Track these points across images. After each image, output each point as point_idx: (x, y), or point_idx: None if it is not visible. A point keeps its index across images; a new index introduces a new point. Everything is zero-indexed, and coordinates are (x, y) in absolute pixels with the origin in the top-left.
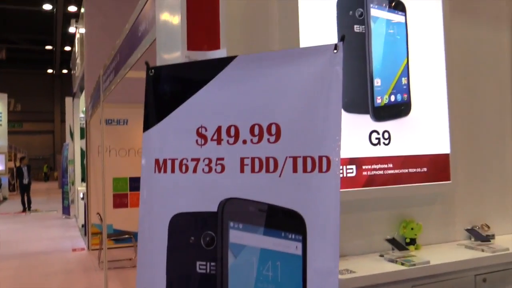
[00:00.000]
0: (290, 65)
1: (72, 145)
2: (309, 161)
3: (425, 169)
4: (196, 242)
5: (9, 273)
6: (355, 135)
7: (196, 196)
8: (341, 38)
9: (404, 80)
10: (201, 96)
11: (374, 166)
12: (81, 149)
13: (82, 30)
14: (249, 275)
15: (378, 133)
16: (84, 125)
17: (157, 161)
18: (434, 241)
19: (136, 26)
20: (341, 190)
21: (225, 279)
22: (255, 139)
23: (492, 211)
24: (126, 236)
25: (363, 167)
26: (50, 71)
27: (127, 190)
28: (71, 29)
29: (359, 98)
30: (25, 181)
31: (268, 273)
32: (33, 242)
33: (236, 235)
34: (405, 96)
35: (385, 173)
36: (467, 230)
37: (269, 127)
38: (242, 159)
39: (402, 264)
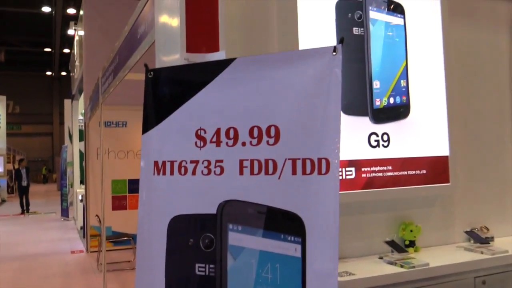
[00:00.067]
0: (289, 67)
1: (71, 147)
2: (308, 163)
3: (424, 171)
4: (195, 244)
5: (7, 275)
6: (354, 137)
7: (195, 198)
8: (340, 40)
9: (403, 82)
10: (200, 98)
11: (373, 168)
12: (80, 151)
13: (81, 33)
14: (248, 277)
15: (377, 135)
16: (83, 127)
17: (156, 163)
18: (433, 243)
19: (135, 28)
20: (340, 192)
21: (224, 281)
22: (254, 141)
23: (491, 213)
24: (125, 238)
25: (362, 169)
26: (49, 73)
27: (126, 192)
28: (70, 31)
29: (358, 100)
30: (24, 183)
31: (267, 275)
32: (32, 244)
33: (235, 237)
34: (404, 98)
35: (384, 175)
36: (466, 232)
37: (268, 129)
38: (241, 161)
39: (402, 266)
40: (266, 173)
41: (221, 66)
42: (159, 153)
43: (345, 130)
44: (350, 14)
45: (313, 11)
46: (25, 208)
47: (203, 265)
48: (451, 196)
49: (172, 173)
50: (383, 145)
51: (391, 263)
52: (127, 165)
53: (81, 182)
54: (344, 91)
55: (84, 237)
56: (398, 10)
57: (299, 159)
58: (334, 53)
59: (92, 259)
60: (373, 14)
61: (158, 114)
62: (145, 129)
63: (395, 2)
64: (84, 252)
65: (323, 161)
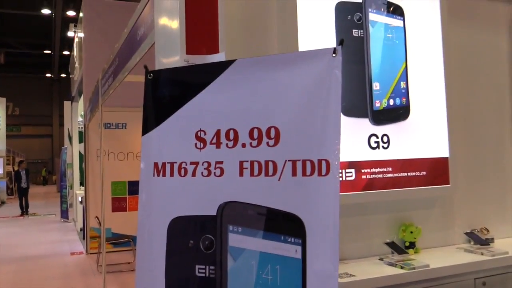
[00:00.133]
0: (289, 68)
1: (71, 149)
2: (308, 164)
3: (424, 173)
4: (195, 245)
5: (7, 277)
6: (354, 139)
7: (195, 199)
8: (340, 42)
9: (402, 84)
10: (200, 100)
11: (373, 170)
12: (80, 153)
13: (81, 35)
14: (248, 279)
15: (377, 137)
16: (83, 129)
17: (156, 164)
18: (433, 244)
19: (135, 30)
20: (341, 193)
21: (224, 282)
22: (254, 143)
23: (491, 215)
24: (125, 239)
25: (362, 170)
26: (48, 75)
27: (126, 194)
28: (70, 34)
29: (358, 102)
30: (24, 185)
31: (267, 277)
32: (32, 246)
33: (236, 239)
34: (404, 100)
35: (384, 176)
36: (467, 233)
37: (268, 131)
38: (241, 163)
39: (402, 267)
40: (266, 174)
41: (221, 67)
42: (159, 154)
43: (345, 132)
44: (349, 16)
45: (312, 13)
46: (24, 209)
47: (203, 266)
48: (451, 197)
49: (172, 174)
50: (383, 146)
51: (391, 264)
52: (127, 167)
53: (81, 183)
54: (344, 93)
55: (83, 238)
56: (398, 12)
57: (299, 160)
58: (334, 55)
59: (92, 260)
60: (373, 16)
61: (158, 116)
62: (145, 131)
63: (394, 4)
64: (84, 254)
65: (323, 163)
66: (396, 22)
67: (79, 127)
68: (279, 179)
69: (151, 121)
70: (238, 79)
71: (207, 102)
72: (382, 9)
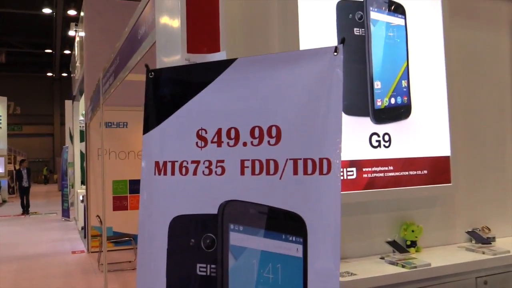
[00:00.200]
0: (290, 67)
1: (72, 148)
2: (309, 163)
3: (425, 172)
4: (196, 244)
5: (8, 275)
6: (356, 138)
7: (196, 198)
8: (341, 40)
9: (404, 83)
10: (201, 99)
11: (374, 169)
12: (81, 152)
13: (82, 34)
14: (249, 278)
15: (379, 136)
16: (84, 128)
17: (157, 163)
18: (434, 243)
19: (135, 29)
20: (342, 192)
21: (225, 281)
22: (256, 142)
23: (492, 214)
24: (126, 238)
25: (364, 169)
26: (49, 74)
27: (127, 193)
28: (71, 33)
29: (359, 100)
30: (25, 184)
31: (268, 276)
32: (33, 245)
33: (237, 237)
34: (405, 98)
35: (385, 175)
36: (468, 232)
37: (269, 130)
38: (242, 162)
39: (403, 266)
40: (268, 173)
41: (222, 66)
42: (160, 153)
43: (347, 131)
44: (351, 15)
45: (314, 11)
46: (25, 209)
47: (204, 265)
48: (453, 196)
49: (173, 173)
50: (384, 145)
51: (392, 263)
52: (128, 166)
53: (82, 182)
54: (345, 92)
55: (85, 237)
56: (399, 10)
57: (300, 159)
58: (335, 53)
59: (93, 259)
60: (374, 15)
61: (159, 115)
62: (146, 130)
63: (396, 2)
64: (85, 253)
65: (325, 161)
66: (397, 20)
67: (80, 126)
68: (280, 178)
69: (152, 120)
70: (239, 78)
71: (208, 101)
72: (384, 8)
